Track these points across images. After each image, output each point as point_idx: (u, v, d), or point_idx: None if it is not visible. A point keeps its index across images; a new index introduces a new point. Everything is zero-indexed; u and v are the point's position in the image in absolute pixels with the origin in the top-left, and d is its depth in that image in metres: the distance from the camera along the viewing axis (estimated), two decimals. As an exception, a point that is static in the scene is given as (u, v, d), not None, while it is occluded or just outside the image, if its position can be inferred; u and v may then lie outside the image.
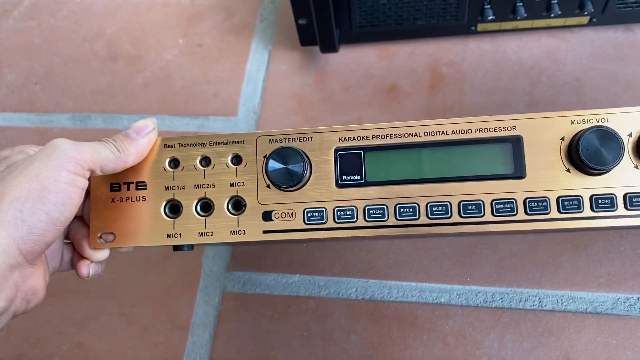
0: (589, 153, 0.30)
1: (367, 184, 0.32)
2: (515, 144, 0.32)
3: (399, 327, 0.47)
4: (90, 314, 0.52)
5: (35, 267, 0.32)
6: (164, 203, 0.34)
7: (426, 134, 0.33)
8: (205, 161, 0.34)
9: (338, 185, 0.33)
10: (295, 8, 0.56)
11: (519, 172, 0.31)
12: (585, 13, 0.55)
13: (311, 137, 0.33)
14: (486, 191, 0.32)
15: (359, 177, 0.32)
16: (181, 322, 0.50)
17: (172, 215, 0.34)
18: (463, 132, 0.32)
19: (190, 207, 0.34)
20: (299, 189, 0.33)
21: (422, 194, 0.32)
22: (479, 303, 0.46)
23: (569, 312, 0.45)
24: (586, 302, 0.45)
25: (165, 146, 0.35)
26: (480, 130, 0.32)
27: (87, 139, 0.58)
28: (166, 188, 0.34)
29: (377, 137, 0.33)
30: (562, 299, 0.46)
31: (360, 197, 0.32)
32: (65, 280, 0.51)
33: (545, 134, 0.32)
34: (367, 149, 0.33)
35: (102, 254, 0.36)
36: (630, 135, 0.31)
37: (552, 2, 0.54)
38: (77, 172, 0.31)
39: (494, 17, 0.56)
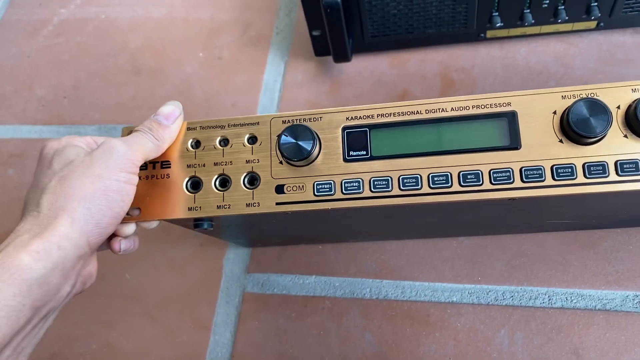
0: (578, 121, 0.32)
1: (373, 158, 0.35)
2: (511, 118, 0.34)
3: (412, 325, 0.48)
4: (117, 315, 0.55)
5: (93, 254, 0.36)
6: (186, 179, 0.37)
7: (427, 111, 0.35)
8: (224, 141, 0.37)
9: (345, 160, 0.35)
10: (309, 20, 0.59)
11: (514, 144, 0.33)
12: (592, 18, 0.56)
13: (320, 117, 0.36)
14: (484, 162, 0.33)
15: (364, 153, 0.35)
16: (203, 321, 0.52)
17: (193, 190, 0.36)
18: (461, 109, 0.34)
19: (210, 182, 0.36)
20: (309, 164, 0.35)
21: (424, 165, 0.34)
22: (490, 301, 0.48)
23: (578, 310, 0.46)
24: (595, 299, 0.46)
25: (189, 129, 0.37)
26: (478, 107, 0.34)
27: (113, 149, 0.61)
28: (188, 166, 0.37)
29: (382, 115, 0.35)
30: (571, 297, 0.47)
31: (366, 170, 0.34)
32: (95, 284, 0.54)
33: (539, 109, 0.34)
34: (372, 126, 0.35)
35: (129, 229, 0.38)
36: (618, 107, 0.33)
37: (559, 7, 0.56)
38: (132, 172, 0.34)
39: (502, 24, 0.57)
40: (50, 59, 0.72)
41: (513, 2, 0.55)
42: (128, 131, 0.37)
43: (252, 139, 0.36)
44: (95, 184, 0.33)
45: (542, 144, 0.33)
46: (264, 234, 0.48)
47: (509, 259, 0.49)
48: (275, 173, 0.36)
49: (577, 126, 0.32)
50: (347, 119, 0.35)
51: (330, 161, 0.35)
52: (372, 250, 0.52)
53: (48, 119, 0.67)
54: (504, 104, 0.34)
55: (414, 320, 0.48)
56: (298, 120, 0.36)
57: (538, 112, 0.34)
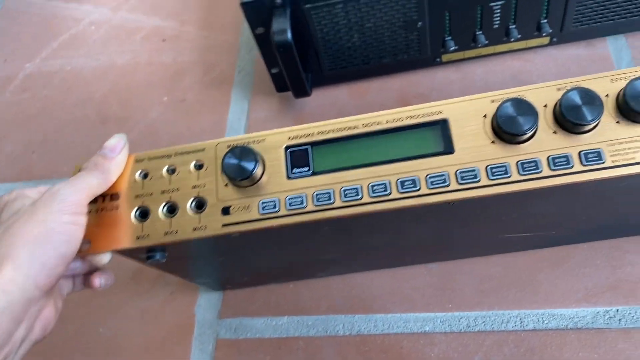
0: (506, 120, 0.33)
1: (315, 173, 0.36)
2: (443, 125, 0.35)
3: (386, 358, 0.48)
4: (94, 371, 0.54)
5: (48, 297, 0.36)
6: (134, 210, 0.37)
7: (364, 125, 0.36)
8: (171, 170, 0.37)
9: (289, 178, 0.36)
10: (266, 59, 0.59)
11: (448, 149, 0.34)
12: (544, 34, 0.57)
13: (264, 139, 0.37)
14: (420, 168, 0.34)
15: (307, 169, 0.36)
16: (180, 371, 0.52)
17: (142, 219, 0.37)
18: (396, 120, 0.36)
19: (157, 210, 0.37)
20: (254, 184, 0.36)
21: (363, 176, 0.35)
22: (462, 328, 0.47)
23: (550, 330, 0.46)
24: (566, 318, 0.46)
25: (137, 161, 0.38)
26: (411, 117, 0.36)
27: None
28: (136, 197, 0.37)
29: (322, 132, 0.37)
30: (542, 318, 0.46)
31: (309, 185, 0.35)
32: (71, 342, 0.54)
33: (469, 114, 0.35)
34: (313, 143, 0.36)
35: (104, 258, 0.38)
36: (545, 106, 0.34)
37: (510, 27, 0.56)
38: (77, 212, 0.35)
39: (456, 47, 0.58)
40: (18, 114, 0.72)
41: (463, 25, 0.56)
42: (77, 169, 0.37)
43: (199, 165, 0.37)
44: (38, 228, 0.33)
45: (475, 147, 0.34)
46: (229, 269, 0.48)
47: (479, 283, 0.49)
48: (221, 196, 0.36)
49: (506, 125, 0.33)
50: (289, 138, 0.37)
51: (274, 180, 0.36)
52: (342, 285, 0.52)
53: (17, 175, 0.67)
54: (436, 113, 0.35)
55: (387, 353, 0.48)
56: (242, 144, 0.36)
57: (469, 117, 0.35)
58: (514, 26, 0.56)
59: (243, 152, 0.35)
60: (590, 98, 0.33)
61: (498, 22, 0.56)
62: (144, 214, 0.37)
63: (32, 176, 0.66)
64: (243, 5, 0.54)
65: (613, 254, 0.48)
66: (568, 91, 0.33)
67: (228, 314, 0.52)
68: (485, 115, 0.35)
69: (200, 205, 0.36)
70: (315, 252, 0.45)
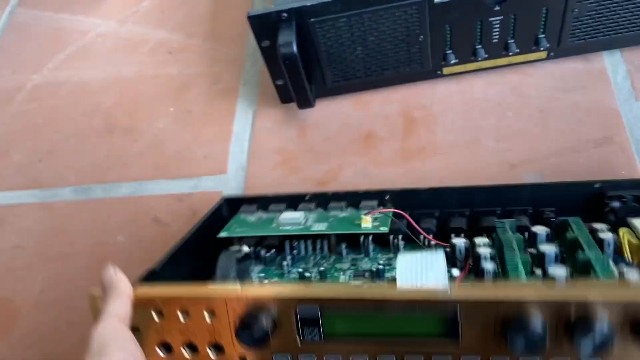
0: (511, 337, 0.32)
1: (325, 338, 0.36)
2: (452, 312, 0.34)
3: None
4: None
5: None
6: (157, 344, 0.38)
7: (375, 300, 0.35)
8: (185, 312, 0.37)
9: (301, 341, 0.36)
10: (271, 71, 0.61)
11: (455, 335, 0.34)
12: (542, 48, 0.58)
13: (276, 306, 0.36)
14: (427, 348, 0.35)
15: (317, 334, 0.36)
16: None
17: (167, 352, 0.38)
18: (407, 301, 0.35)
19: (179, 347, 0.38)
20: (266, 343, 0.36)
21: (373, 347, 0.35)
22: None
23: None
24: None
25: (149, 299, 0.37)
26: (422, 301, 0.35)
27: (88, 209, 0.62)
28: (157, 332, 0.38)
29: (334, 300, 0.36)
30: None
31: (318, 349, 0.36)
32: None
33: (480, 311, 0.34)
34: (324, 309, 0.36)
35: None
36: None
37: (509, 41, 0.58)
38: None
39: (457, 60, 0.60)
40: (25, 124, 0.73)
41: (465, 40, 0.58)
42: (92, 297, 0.38)
43: (211, 313, 0.37)
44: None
45: (482, 339, 0.34)
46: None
47: None
48: (237, 347, 0.37)
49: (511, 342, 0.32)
50: (299, 300, 0.36)
51: (286, 339, 0.36)
52: None
53: (24, 184, 0.68)
54: (447, 301, 0.34)
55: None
56: (253, 306, 0.36)
57: (479, 314, 0.34)
58: (512, 41, 0.58)
59: (254, 320, 0.35)
60: None
61: (497, 36, 0.57)
62: (167, 348, 0.38)
63: (39, 185, 0.67)
64: (250, 18, 0.55)
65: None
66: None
67: None
68: (495, 318, 0.33)
69: (219, 348, 0.37)
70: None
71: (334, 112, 0.64)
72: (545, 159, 0.55)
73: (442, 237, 0.46)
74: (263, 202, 0.52)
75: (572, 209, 0.45)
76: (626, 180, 0.46)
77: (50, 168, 0.68)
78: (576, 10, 0.54)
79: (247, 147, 0.64)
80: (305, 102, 0.60)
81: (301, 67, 0.56)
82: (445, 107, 0.61)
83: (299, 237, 0.49)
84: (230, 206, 0.53)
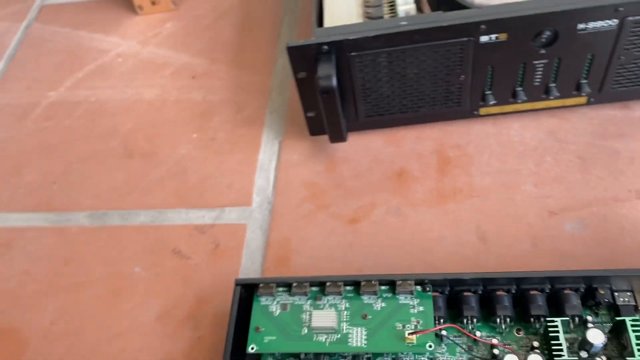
0: None
1: None
2: None
3: None
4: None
5: None
6: None
7: None
8: None
9: None
10: (304, 103, 0.59)
11: None
12: (583, 94, 0.57)
13: None
14: None
15: None
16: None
17: None
18: None
19: None
20: None
21: None
22: None
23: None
24: None
25: None
26: None
27: (104, 236, 0.60)
28: None
29: None
30: None
31: None
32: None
33: None
34: None
35: None
36: None
37: (550, 85, 0.57)
38: None
39: (495, 102, 0.58)
40: (39, 143, 0.71)
41: (506, 81, 0.56)
42: None
43: None
44: None
45: None
46: None
47: None
48: None
49: None
50: None
51: None
52: None
53: (37, 206, 0.65)
54: None
55: None
56: None
57: None
58: (554, 84, 0.57)
59: None
60: None
61: (539, 79, 0.56)
62: None
63: (52, 208, 0.65)
64: (289, 49, 0.54)
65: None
66: None
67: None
68: None
69: None
70: None
71: (365, 147, 0.62)
72: (585, 208, 0.54)
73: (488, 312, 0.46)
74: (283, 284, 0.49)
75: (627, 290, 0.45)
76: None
77: (64, 191, 0.65)
78: (622, 57, 0.54)
79: (273, 179, 0.62)
80: (338, 136, 0.59)
81: (339, 101, 0.54)
82: (481, 148, 0.59)
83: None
84: (246, 288, 0.49)
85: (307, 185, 0.61)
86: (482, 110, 0.59)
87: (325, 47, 0.53)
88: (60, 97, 0.75)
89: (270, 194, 0.61)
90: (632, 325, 0.41)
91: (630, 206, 0.53)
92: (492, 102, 0.58)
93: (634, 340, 0.41)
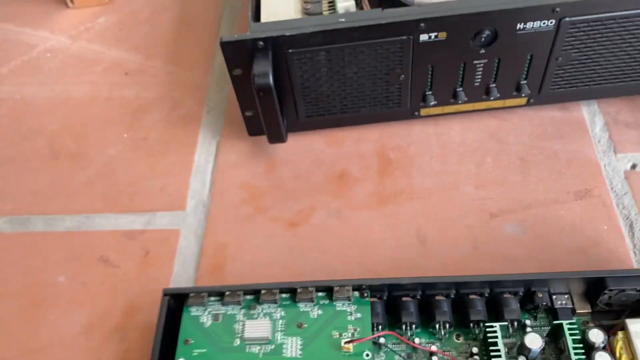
0: None
1: None
2: None
3: None
4: None
5: None
6: None
7: None
8: None
9: None
10: (241, 101, 0.56)
11: None
12: (523, 95, 0.57)
13: None
14: None
15: None
16: None
17: None
18: None
19: None
20: None
21: None
22: None
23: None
24: None
25: None
26: None
27: (25, 243, 0.55)
28: None
29: None
30: None
31: None
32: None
33: None
34: None
35: None
36: None
37: (491, 85, 0.56)
38: None
39: (436, 102, 0.57)
40: (-44, 143, 0.65)
41: (446, 81, 0.56)
42: None
43: None
44: None
45: None
46: None
47: None
48: None
49: None
50: None
51: None
52: None
53: (-49, 212, 0.60)
54: None
55: None
56: None
57: None
58: (494, 85, 0.56)
59: None
60: None
61: (479, 80, 0.55)
62: None
63: (-31, 213, 0.60)
64: (223, 44, 0.51)
65: None
66: None
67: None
68: None
69: None
70: None
71: (306, 148, 0.60)
72: (526, 210, 0.53)
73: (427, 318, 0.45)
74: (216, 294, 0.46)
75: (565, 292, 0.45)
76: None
77: (-18, 195, 0.61)
78: (560, 58, 0.53)
79: (210, 181, 0.59)
80: (277, 137, 0.56)
81: (276, 99, 0.52)
82: (422, 149, 0.58)
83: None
84: (175, 298, 0.46)
85: (245, 188, 0.58)
86: (423, 111, 0.58)
87: (261, 43, 0.51)
88: (-19, 94, 0.70)
89: (206, 197, 0.58)
90: (569, 329, 0.41)
91: (569, 208, 0.53)
92: (432, 103, 0.57)
93: (570, 344, 0.40)
